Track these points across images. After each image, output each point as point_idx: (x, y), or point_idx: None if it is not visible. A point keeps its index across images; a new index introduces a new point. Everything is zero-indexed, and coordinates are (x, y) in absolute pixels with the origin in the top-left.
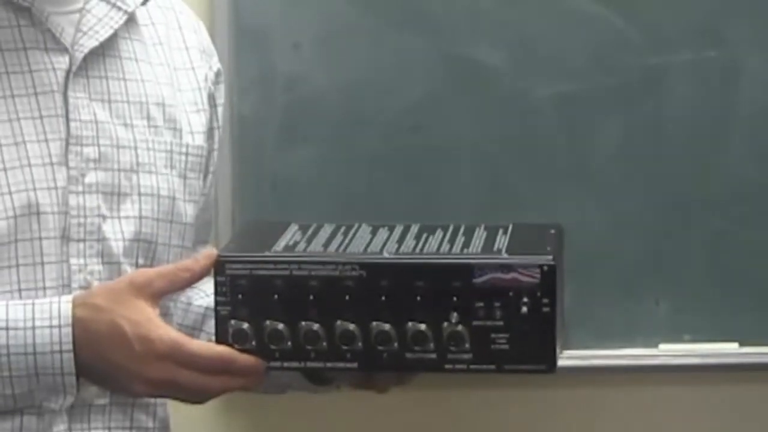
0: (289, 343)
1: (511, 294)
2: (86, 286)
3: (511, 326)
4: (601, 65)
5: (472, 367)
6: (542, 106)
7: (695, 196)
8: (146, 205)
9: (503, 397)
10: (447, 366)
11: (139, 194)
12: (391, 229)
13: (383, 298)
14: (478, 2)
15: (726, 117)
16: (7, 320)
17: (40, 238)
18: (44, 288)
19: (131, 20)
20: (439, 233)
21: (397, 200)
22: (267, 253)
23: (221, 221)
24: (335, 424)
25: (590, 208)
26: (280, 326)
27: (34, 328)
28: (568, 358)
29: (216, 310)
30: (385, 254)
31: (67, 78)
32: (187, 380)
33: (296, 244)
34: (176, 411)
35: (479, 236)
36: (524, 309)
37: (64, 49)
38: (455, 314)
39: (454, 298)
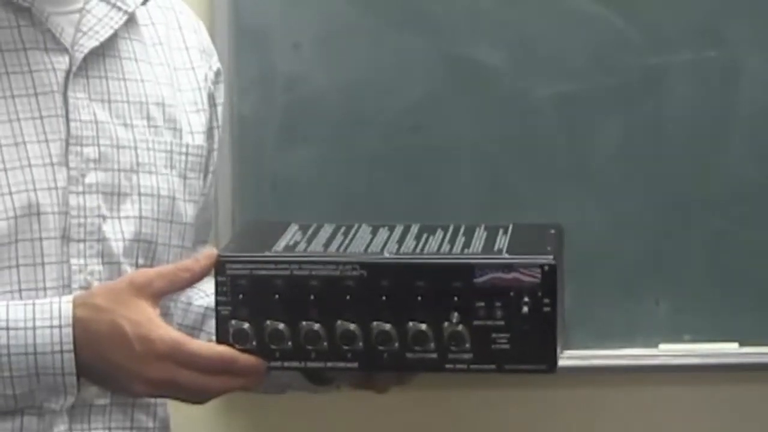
0: (290, 343)
1: (511, 294)
2: (86, 287)
3: (511, 326)
4: (601, 65)
5: (472, 366)
6: (542, 106)
7: (695, 196)
8: (146, 205)
9: (503, 397)
10: (447, 366)
11: (139, 194)
12: (392, 229)
13: (384, 298)
14: (478, 2)
15: (726, 117)
16: (7, 320)
17: (41, 239)
18: (45, 288)
19: (131, 20)
20: (439, 233)
21: (397, 200)
22: (267, 253)
23: (221, 221)
24: (335, 424)
25: (590, 208)
26: (281, 326)
27: (34, 328)
28: (568, 358)
29: (216, 310)
30: (386, 254)
31: (67, 78)
32: (187, 380)
33: (296, 244)
34: (176, 411)
35: (480, 236)
36: (525, 309)
37: (64, 50)
38: (456, 314)
39: (455, 298)
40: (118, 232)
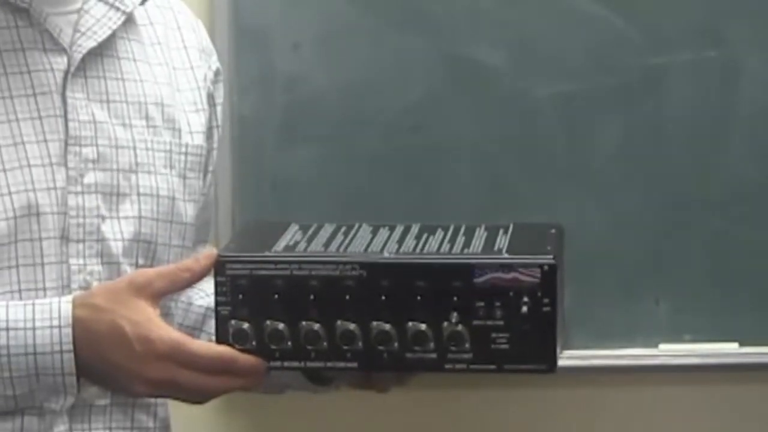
0: (290, 343)
1: (511, 294)
2: (86, 287)
3: (511, 326)
4: (601, 65)
5: (472, 366)
6: (542, 106)
7: (695, 196)
8: (145, 205)
9: (503, 397)
10: (447, 366)
11: (138, 194)
12: (392, 229)
13: (383, 297)
14: (478, 2)
15: (726, 117)
16: (7, 321)
17: (40, 239)
18: (44, 288)
19: (129, 20)
20: (439, 233)
21: (397, 200)
22: (267, 253)
23: (221, 221)
24: (335, 424)
25: (590, 208)
26: (281, 326)
27: (34, 328)
28: (568, 358)
29: (216, 310)
30: (386, 254)
31: (65, 78)
32: (187, 380)
33: (296, 244)
34: (176, 411)
35: (480, 236)
36: (525, 309)
37: (62, 50)
38: (455, 314)
39: (455, 298)
40: (117, 232)
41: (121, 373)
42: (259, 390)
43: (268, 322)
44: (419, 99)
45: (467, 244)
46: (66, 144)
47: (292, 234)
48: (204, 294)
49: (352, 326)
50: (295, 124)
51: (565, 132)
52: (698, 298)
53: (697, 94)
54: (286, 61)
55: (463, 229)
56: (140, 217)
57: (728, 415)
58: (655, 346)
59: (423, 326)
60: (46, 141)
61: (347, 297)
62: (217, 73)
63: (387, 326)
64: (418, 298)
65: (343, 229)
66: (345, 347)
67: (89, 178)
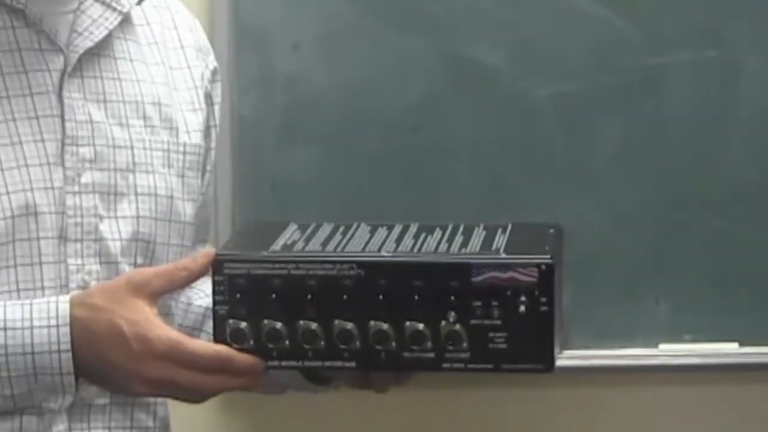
0: (287, 343)
1: (509, 293)
2: (84, 287)
3: (509, 325)
4: (601, 65)
5: (469, 366)
6: (542, 106)
7: (695, 196)
8: (143, 204)
9: (503, 396)
10: (445, 365)
11: (136, 194)
12: (390, 229)
13: (381, 297)
14: (478, 2)
15: (726, 117)
16: (4, 320)
17: (38, 239)
18: (42, 288)
19: (126, 20)
20: (437, 233)
21: (397, 200)
22: (265, 253)
23: (221, 221)
24: (335, 424)
25: (590, 208)
26: (278, 325)
27: (32, 328)
28: (568, 358)
29: (214, 310)
30: (383, 253)
31: (61, 78)
32: (185, 379)
33: (294, 243)
34: (176, 411)
35: (478, 236)
36: (522, 308)
37: (58, 50)
38: (453, 313)
39: (452, 298)
40: (115, 231)
41: (119, 373)
42: (259, 390)
43: (265, 322)
44: (419, 99)
45: (465, 243)
46: (63, 144)
47: (290, 233)
48: (203, 294)
49: (349, 326)
50: (295, 124)
51: (565, 132)
52: (698, 298)
53: (697, 94)
54: (286, 61)
55: (461, 229)
56: (138, 217)
57: (728, 415)
58: (655, 346)
59: (420, 326)
60: (43, 141)
61: (345, 296)
62: (214, 72)
63: (384, 326)
64: (416, 297)
65: (342, 228)
66: (342, 347)
67: (86, 177)
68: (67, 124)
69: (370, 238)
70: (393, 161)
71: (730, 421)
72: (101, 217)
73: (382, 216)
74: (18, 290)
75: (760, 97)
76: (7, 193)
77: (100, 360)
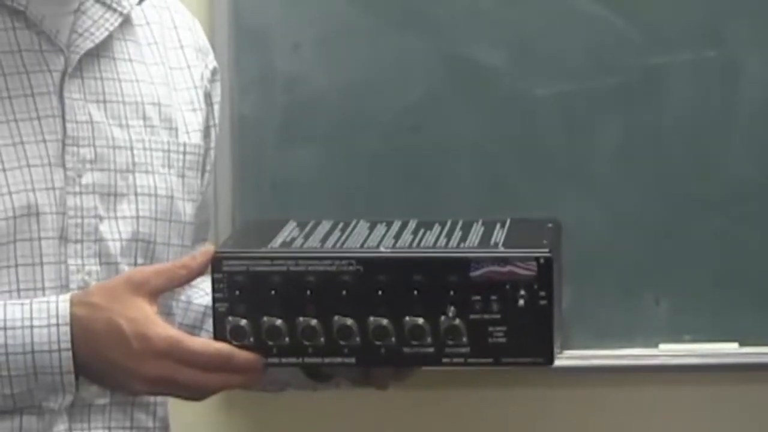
0: (287, 339)
1: (507, 287)
2: (84, 287)
3: (508, 319)
4: (601, 65)
5: (469, 360)
6: (542, 106)
7: (695, 196)
8: (143, 204)
9: (503, 396)
10: (444, 360)
11: (136, 194)
12: (389, 225)
13: (380, 292)
14: (478, 2)
15: (726, 117)
16: (4, 320)
17: (39, 239)
18: (43, 288)
19: (126, 21)
20: (436, 228)
21: (397, 200)
22: (264, 250)
23: (221, 221)
24: (335, 423)
25: (590, 208)
26: (278, 322)
27: (32, 327)
28: (567, 357)
29: (213, 307)
30: (382, 249)
31: (62, 79)
32: (185, 377)
33: (293, 240)
34: (176, 410)
35: (476, 231)
36: (521, 302)
37: (59, 51)
38: (452, 308)
39: (451, 292)
40: (115, 232)
41: (119, 371)
42: (259, 388)
43: (265, 319)
44: (419, 99)
45: (464, 238)
46: (64, 144)
47: (289, 231)
48: (203, 293)
49: (349, 321)
50: (295, 124)
51: (565, 132)
52: (698, 298)
53: (697, 94)
54: (286, 61)
55: (460, 224)
56: (138, 217)
57: (728, 415)
58: (655, 345)
59: (420, 321)
60: (44, 141)
61: (344, 292)
62: (213, 72)
63: (384, 321)
64: (415, 292)
65: (340, 225)
66: (342, 343)
67: (87, 178)
68: (68, 125)
69: (369, 234)
70: (393, 161)
71: (730, 421)
72: (101, 218)
73: (382, 216)
74: (18, 290)
75: (760, 97)
76: (9, 193)
77: (100, 359)
